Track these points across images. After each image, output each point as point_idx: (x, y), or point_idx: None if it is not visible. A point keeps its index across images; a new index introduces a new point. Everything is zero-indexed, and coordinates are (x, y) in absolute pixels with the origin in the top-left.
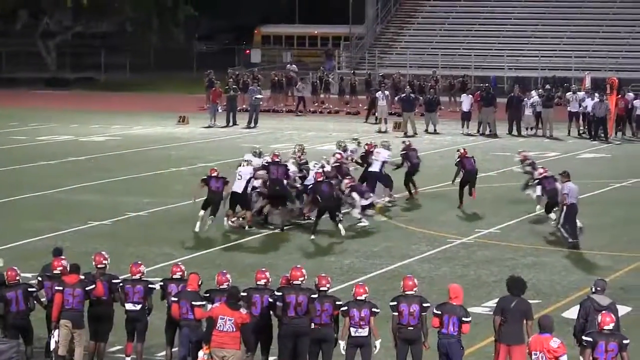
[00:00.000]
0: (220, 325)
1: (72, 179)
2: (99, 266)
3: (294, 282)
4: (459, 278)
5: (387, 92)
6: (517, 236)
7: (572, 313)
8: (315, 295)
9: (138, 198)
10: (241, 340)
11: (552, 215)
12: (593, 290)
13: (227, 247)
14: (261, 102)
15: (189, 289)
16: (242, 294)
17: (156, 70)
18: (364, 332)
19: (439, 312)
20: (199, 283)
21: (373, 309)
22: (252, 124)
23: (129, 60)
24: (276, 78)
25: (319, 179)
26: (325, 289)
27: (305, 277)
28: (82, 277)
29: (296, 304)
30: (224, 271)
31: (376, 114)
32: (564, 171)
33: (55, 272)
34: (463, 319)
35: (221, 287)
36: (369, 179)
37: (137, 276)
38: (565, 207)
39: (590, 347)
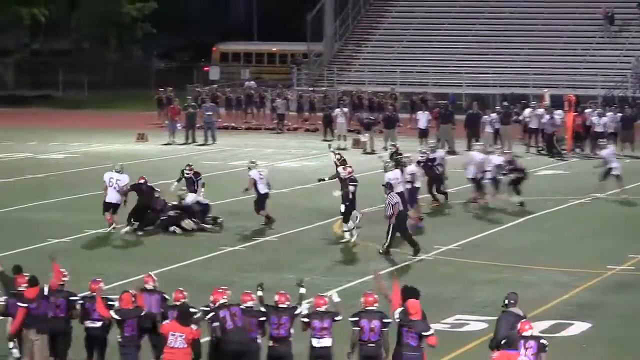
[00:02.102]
0: (171, 342)
1: (30, 197)
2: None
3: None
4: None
5: (345, 109)
6: (476, 253)
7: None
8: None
9: (98, 215)
10: (192, 357)
11: None
12: (507, 303)
13: (187, 264)
14: (219, 119)
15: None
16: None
17: (114, 88)
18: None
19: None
20: (132, 301)
21: (335, 318)
22: (210, 141)
23: (87, 78)
24: (233, 95)
25: None
26: (285, 306)
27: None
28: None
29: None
30: (181, 289)
31: (334, 130)
32: (387, 183)
33: (19, 288)
34: (423, 333)
35: (176, 303)
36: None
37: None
38: (395, 218)
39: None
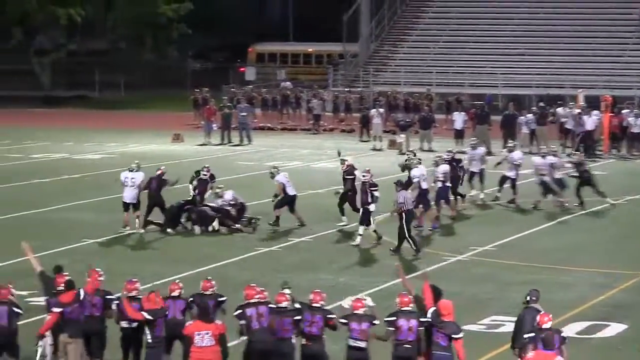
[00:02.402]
0: (198, 341)
1: (66, 197)
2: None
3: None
4: (454, 295)
5: (381, 110)
6: (513, 253)
7: (569, 330)
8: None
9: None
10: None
11: None
12: (528, 299)
13: (222, 264)
14: (255, 120)
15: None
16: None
17: (150, 88)
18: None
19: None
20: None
21: (373, 322)
22: (245, 142)
23: (123, 79)
24: (269, 96)
25: None
26: (318, 305)
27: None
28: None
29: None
30: (209, 277)
31: (370, 131)
32: (397, 180)
33: (59, 288)
34: (453, 335)
35: (206, 293)
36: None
37: (133, 294)
38: (404, 215)
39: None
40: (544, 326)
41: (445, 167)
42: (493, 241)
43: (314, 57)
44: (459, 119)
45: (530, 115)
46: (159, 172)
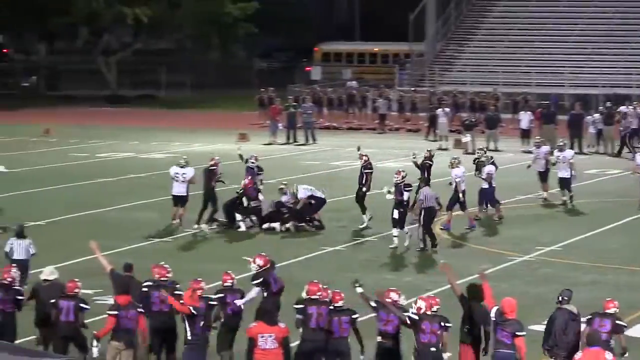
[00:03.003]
0: (262, 344)
1: (132, 196)
2: (161, 279)
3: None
4: (519, 295)
5: (447, 109)
6: (579, 253)
7: (635, 331)
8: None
9: (192, 217)
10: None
11: None
12: (561, 299)
13: (287, 264)
14: (321, 119)
15: None
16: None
17: (216, 88)
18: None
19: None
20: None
21: (446, 324)
22: (311, 141)
23: (189, 78)
24: (334, 95)
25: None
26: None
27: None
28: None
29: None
30: (229, 271)
31: (436, 131)
32: (420, 177)
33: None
34: (517, 333)
35: (225, 284)
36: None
37: (199, 293)
38: (423, 212)
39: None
40: (606, 311)
41: (490, 168)
42: (559, 241)
43: (380, 56)
44: (525, 118)
45: (597, 115)
46: (211, 162)
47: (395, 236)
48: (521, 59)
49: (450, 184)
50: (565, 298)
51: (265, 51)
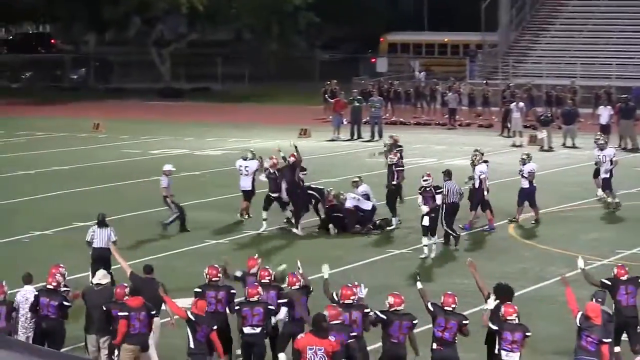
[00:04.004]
0: (311, 357)
1: (186, 195)
2: (213, 279)
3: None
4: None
5: (521, 104)
6: None
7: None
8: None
9: (257, 215)
10: None
11: None
12: (594, 301)
13: (351, 267)
14: (387, 114)
15: None
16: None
17: (276, 80)
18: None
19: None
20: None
21: (527, 333)
22: (377, 137)
23: (247, 70)
24: (401, 89)
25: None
26: (450, 309)
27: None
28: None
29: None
30: (255, 256)
31: (509, 126)
32: (446, 169)
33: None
34: (603, 340)
35: (251, 271)
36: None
37: (255, 298)
38: (444, 206)
39: None
40: (621, 278)
41: (532, 166)
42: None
43: (450, 47)
44: (604, 113)
45: None
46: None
47: (424, 245)
48: (601, 49)
49: (470, 178)
50: (599, 299)
51: (328, 42)
